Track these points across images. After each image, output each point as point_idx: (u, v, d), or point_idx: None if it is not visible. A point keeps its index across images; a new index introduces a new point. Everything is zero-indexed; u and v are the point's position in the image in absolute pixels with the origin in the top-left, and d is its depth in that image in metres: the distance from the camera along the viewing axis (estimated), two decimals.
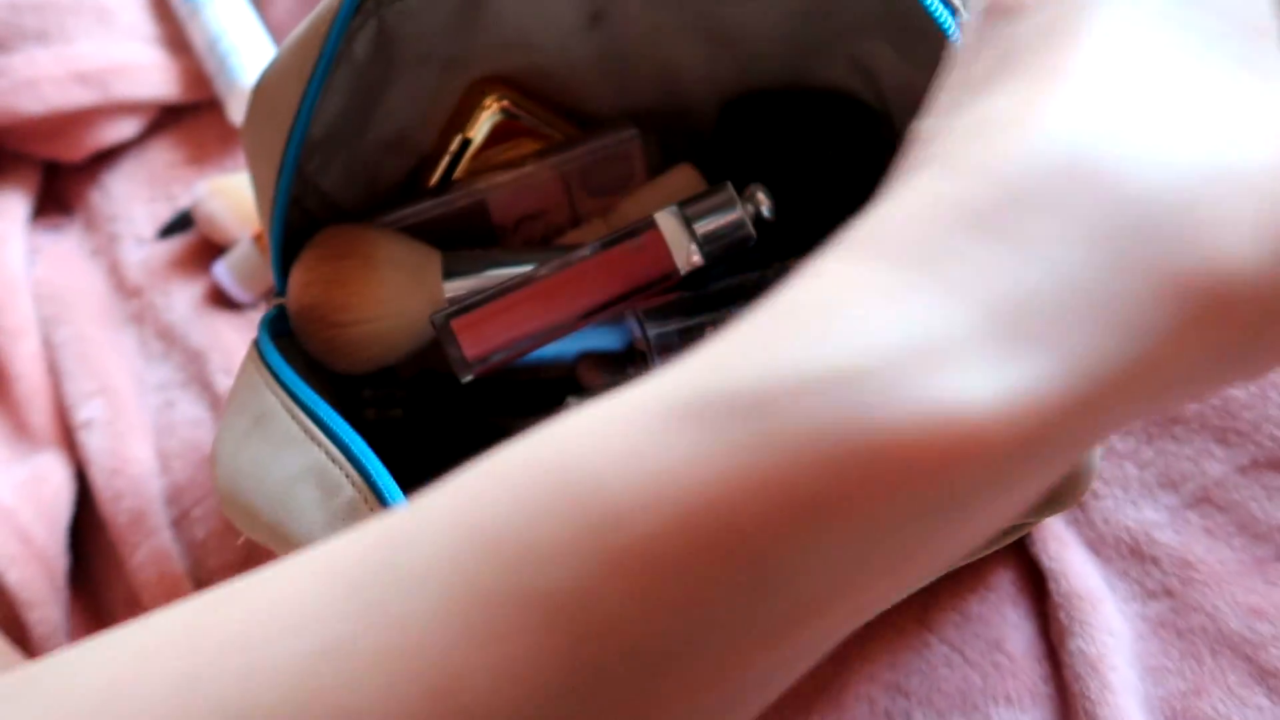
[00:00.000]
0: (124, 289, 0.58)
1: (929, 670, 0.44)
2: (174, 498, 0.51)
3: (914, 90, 0.41)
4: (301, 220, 0.43)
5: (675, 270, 0.41)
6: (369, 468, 0.33)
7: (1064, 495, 0.31)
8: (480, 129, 0.45)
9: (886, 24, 0.41)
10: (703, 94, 0.46)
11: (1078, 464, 0.30)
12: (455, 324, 0.40)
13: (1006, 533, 0.32)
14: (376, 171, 0.46)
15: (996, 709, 0.43)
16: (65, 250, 0.60)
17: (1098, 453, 0.31)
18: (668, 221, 0.41)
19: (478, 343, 0.40)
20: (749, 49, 0.44)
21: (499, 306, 0.40)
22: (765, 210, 0.42)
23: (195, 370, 0.54)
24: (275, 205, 0.40)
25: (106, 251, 0.60)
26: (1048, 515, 0.32)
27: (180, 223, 0.59)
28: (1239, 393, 0.46)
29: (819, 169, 0.45)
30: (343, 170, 0.44)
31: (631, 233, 0.41)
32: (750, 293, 0.41)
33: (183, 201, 0.60)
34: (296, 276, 0.42)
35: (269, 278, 0.56)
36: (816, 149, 0.46)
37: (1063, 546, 0.45)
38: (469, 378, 0.40)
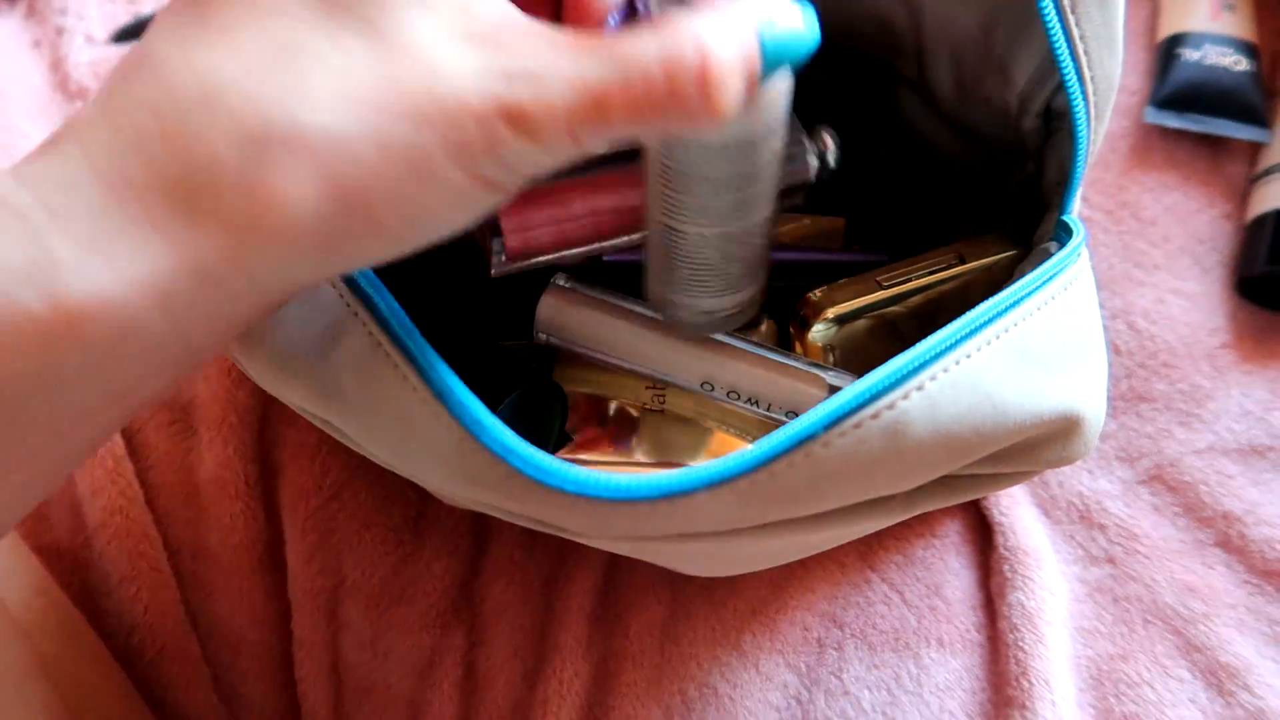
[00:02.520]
0: (66, 89, 0.53)
1: (866, 606, 0.44)
2: None
3: (954, 28, 0.40)
4: None
5: None
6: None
7: (1070, 452, 0.31)
8: None
9: None
10: None
11: (1075, 426, 0.30)
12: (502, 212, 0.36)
13: (1009, 477, 0.31)
14: None
15: (928, 650, 0.43)
16: (2, 35, 0.55)
17: (1102, 417, 0.31)
18: None
19: (521, 237, 0.36)
20: None
21: (549, 198, 0.36)
22: (831, 157, 0.39)
23: None
24: None
25: (50, 44, 0.54)
26: (1048, 468, 0.32)
27: (138, 28, 0.54)
28: (1204, 381, 0.47)
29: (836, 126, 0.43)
30: None
31: None
32: None
33: (146, 7, 0.55)
34: None
35: None
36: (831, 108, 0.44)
37: (1014, 503, 0.45)
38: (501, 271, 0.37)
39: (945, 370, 0.28)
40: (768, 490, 0.26)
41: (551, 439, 0.39)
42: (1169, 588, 0.43)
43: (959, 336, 0.28)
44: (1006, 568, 0.44)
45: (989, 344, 0.29)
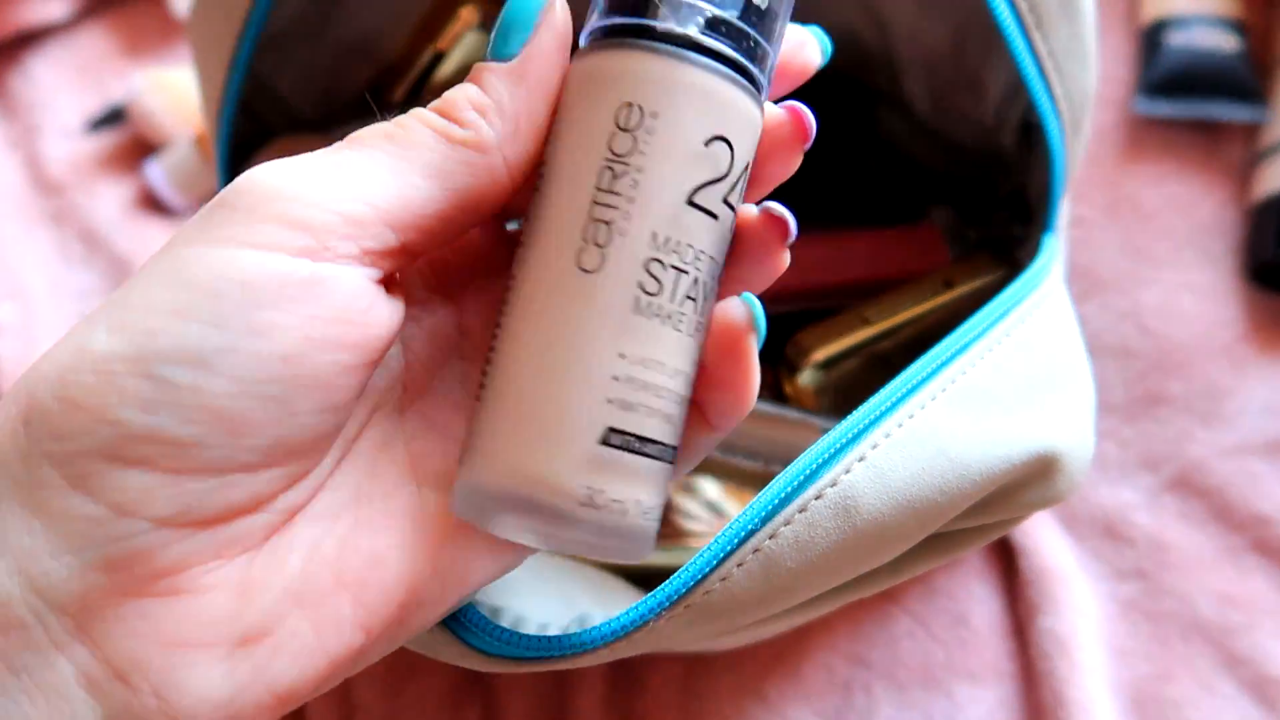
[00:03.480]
0: (43, 185, 0.53)
1: (891, 642, 0.43)
2: None
3: (923, 40, 0.39)
4: (250, 126, 0.39)
5: None
6: None
7: (1052, 496, 0.29)
8: (457, 46, 0.41)
9: None
10: None
11: (1056, 465, 0.28)
12: None
13: (996, 526, 0.30)
14: (336, 78, 0.41)
15: (959, 684, 0.42)
16: None
17: (1088, 448, 0.29)
18: None
19: None
20: None
21: None
22: None
23: (119, 279, 0.50)
24: (224, 105, 0.36)
25: (26, 143, 0.54)
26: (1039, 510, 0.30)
27: (112, 116, 0.54)
28: (1223, 378, 0.45)
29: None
30: (299, 73, 0.40)
31: None
32: None
33: (115, 94, 0.55)
34: None
35: (206, 183, 0.51)
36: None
37: (1035, 522, 0.44)
38: None
39: (887, 435, 0.26)
40: (725, 598, 0.25)
41: None
42: (1205, 599, 0.41)
43: (899, 396, 0.26)
44: (1033, 591, 0.42)
45: (934, 399, 0.27)
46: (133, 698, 0.20)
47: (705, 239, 0.21)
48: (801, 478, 0.25)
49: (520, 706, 0.42)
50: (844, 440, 0.26)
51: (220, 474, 0.20)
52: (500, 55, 0.22)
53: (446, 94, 0.22)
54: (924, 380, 0.27)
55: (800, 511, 0.25)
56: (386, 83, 0.43)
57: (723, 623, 0.25)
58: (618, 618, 0.25)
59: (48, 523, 0.19)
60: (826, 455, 0.25)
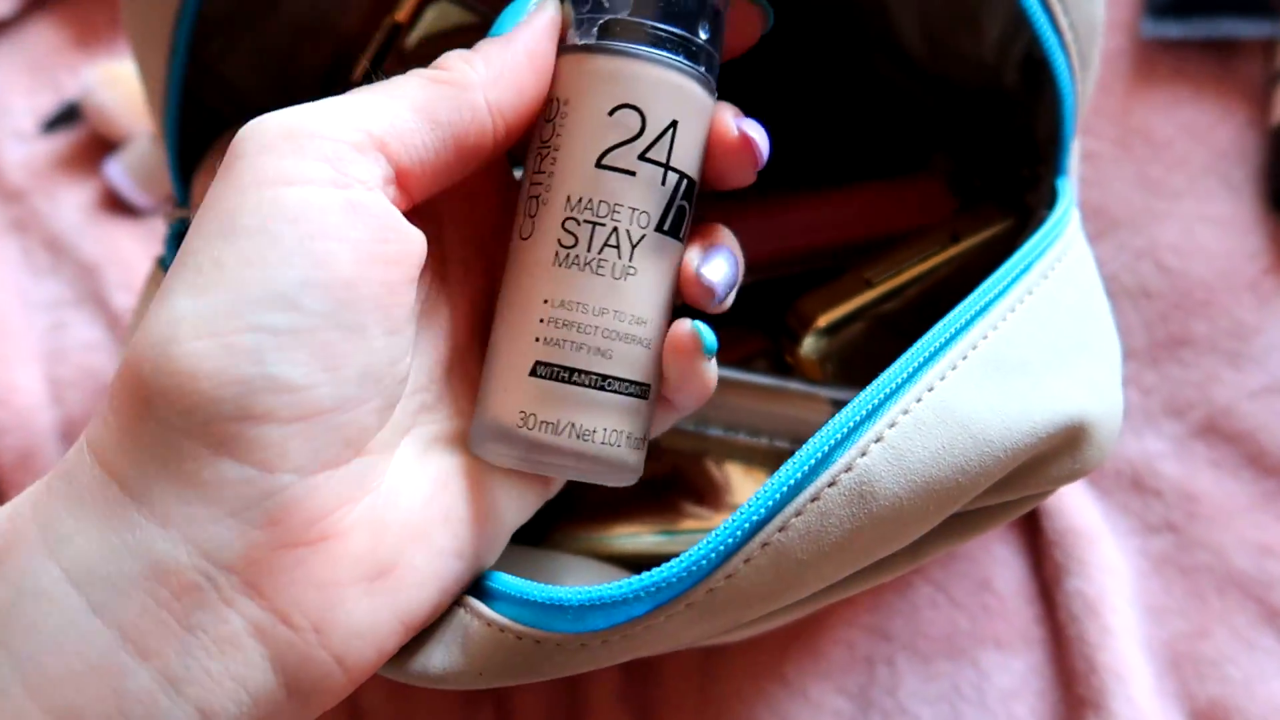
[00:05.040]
0: (2, 192, 0.51)
1: (912, 611, 0.41)
2: (68, 432, 0.45)
3: None
4: (201, 118, 0.37)
5: None
6: None
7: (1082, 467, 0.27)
8: (421, 17, 0.38)
9: None
10: None
11: (1085, 434, 0.26)
12: None
13: (1019, 503, 0.28)
14: (290, 59, 0.39)
15: (985, 653, 0.40)
16: None
17: (1118, 414, 0.27)
18: None
19: None
20: None
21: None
22: None
23: (89, 286, 0.48)
24: (167, 99, 0.34)
25: None
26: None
27: (67, 115, 0.52)
28: (1249, 315, 0.43)
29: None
30: (250, 57, 0.37)
31: None
32: None
33: (70, 91, 0.53)
34: (200, 186, 0.35)
35: (170, 179, 0.49)
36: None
37: None
38: None
39: (905, 412, 0.24)
40: (731, 595, 0.23)
41: None
42: (1240, 550, 0.40)
43: (915, 366, 0.24)
44: (1058, 552, 0.40)
45: (954, 368, 0.25)
46: (296, 637, 0.21)
47: (624, 193, 0.24)
48: (813, 462, 0.23)
49: (534, 704, 0.40)
50: (858, 419, 0.24)
51: (334, 412, 0.21)
52: (493, 35, 0.25)
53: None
54: (942, 348, 0.25)
55: (812, 500, 0.23)
56: (344, 62, 0.40)
57: (727, 619, 0.24)
58: (617, 611, 0.23)
59: (203, 491, 0.20)
60: (839, 436, 0.23)
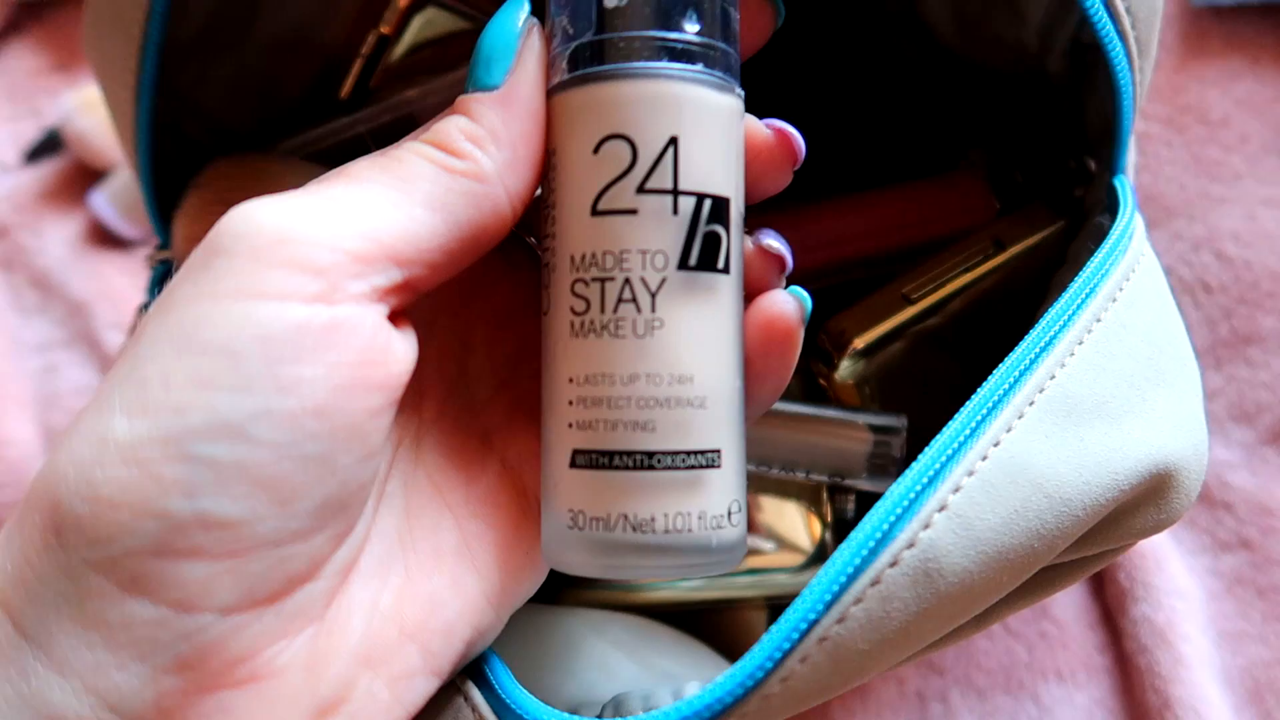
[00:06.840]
0: None
1: (965, 644, 0.38)
2: None
3: None
4: (181, 150, 0.34)
5: None
6: None
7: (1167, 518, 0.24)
8: (407, 27, 0.36)
9: None
10: None
11: (1171, 478, 0.23)
12: None
13: (1095, 559, 0.25)
14: (271, 81, 0.36)
15: (1046, 686, 0.37)
16: None
17: (1203, 453, 0.24)
18: None
19: None
20: None
21: None
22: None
23: (79, 325, 0.46)
24: (137, 135, 0.31)
25: None
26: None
27: (49, 144, 0.49)
28: None
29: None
30: (228, 82, 0.35)
31: None
32: None
33: (50, 117, 0.50)
34: (182, 229, 0.33)
35: None
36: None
37: None
38: None
39: (970, 473, 0.21)
40: (786, 698, 0.20)
41: None
42: None
43: (980, 417, 0.22)
44: (1122, 575, 0.37)
45: (1021, 416, 0.22)
46: None
47: (628, 237, 0.21)
48: (873, 543, 0.21)
49: None
50: (919, 487, 0.21)
51: (276, 546, 0.19)
52: (483, 85, 0.22)
53: (435, 125, 0.22)
54: (1007, 392, 0.22)
55: (873, 585, 0.21)
56: (329, 78, 0.37)
57: (790, 708, 0.21)
58: None
59: (108, 634, 0.18)
60: (900, 509, 0.21)
